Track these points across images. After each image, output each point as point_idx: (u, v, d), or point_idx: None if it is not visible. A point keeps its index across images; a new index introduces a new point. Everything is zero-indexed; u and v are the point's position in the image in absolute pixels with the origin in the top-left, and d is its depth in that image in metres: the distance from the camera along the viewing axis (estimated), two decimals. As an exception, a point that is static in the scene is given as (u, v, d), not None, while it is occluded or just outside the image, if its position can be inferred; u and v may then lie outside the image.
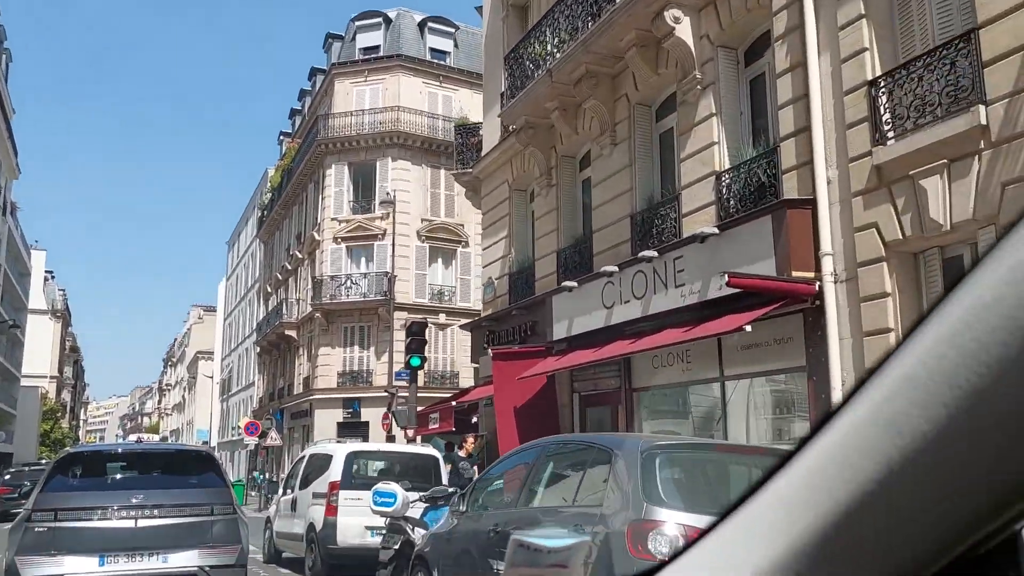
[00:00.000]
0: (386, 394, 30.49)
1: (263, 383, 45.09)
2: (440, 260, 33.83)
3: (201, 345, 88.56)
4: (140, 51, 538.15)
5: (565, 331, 12.89)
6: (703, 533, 0.76)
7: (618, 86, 12.64)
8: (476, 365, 17.48)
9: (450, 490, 10.17)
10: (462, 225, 33.95)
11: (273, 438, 30.36)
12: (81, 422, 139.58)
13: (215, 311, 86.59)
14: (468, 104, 33.14)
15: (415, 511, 9.23)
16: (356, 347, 32.57)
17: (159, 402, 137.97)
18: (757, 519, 0.69)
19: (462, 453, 10.77)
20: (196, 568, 7.49)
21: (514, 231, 16.24)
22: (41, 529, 7.15)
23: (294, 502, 12.23)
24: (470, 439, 10.95)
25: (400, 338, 30.82)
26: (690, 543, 0.78)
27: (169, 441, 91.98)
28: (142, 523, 7.46)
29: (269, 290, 44.68)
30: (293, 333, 37.00)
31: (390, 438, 28.69)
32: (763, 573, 0.66)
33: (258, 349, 46.30)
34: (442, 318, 33.03)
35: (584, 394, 13.34)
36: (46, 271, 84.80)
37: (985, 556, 0.59)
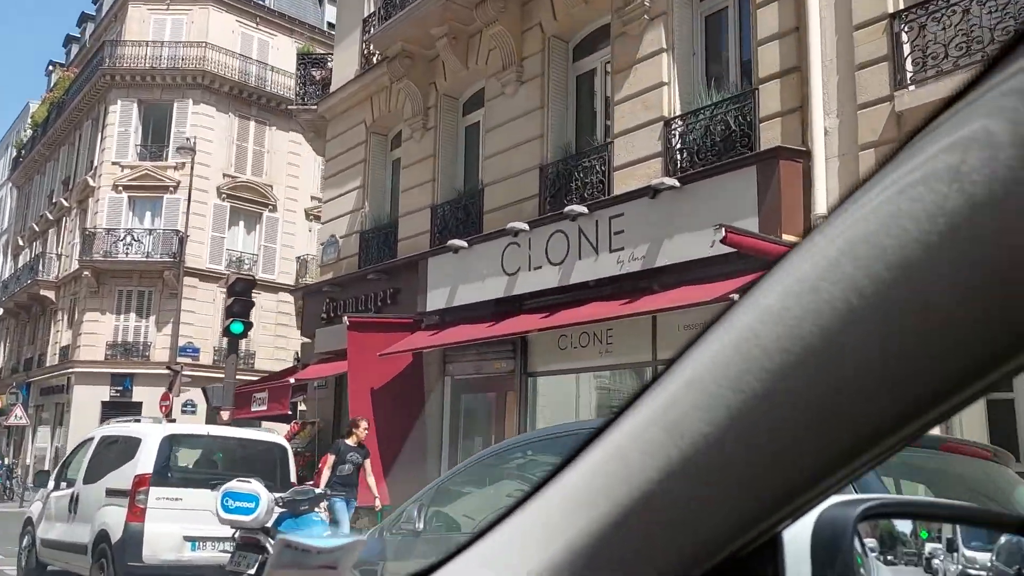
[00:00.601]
0: (167, 371, 26.35)
1: (4, 352, 38.10)
2: (242, 223, 29.98)
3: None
4: None
5: (444, 301, 10.73)
6: (482, 532, 0.74)
7: (530, 13, 10.71)
8: (307, 339, 14.70)
9: (319, 491, 7.72)
10: (271, 186, 30.35)
11: (18, 416, 25.09)
12: None
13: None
14: (287, 54, 29.65)
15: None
16: (132, 315, 27.93)
17: None
18: (536, 519, 0.68)
19: (351, 441, 8.27)
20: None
21: (369, 181, 13.73)
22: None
23: (74, 500, 9.04)
24: (363, 424, 8.49)
25: (188, 308, 26.76)
26: (469, 542, 0.74)
27: None
28: None
29: (21, 243, 37.84)
30: (51, 294, 31.26)
31: (171, 422, 24.69)
32: (538, 574, 0.65)
33: (1, 311, 39.10)
34: (240, 289, 29.25)
35: (460, 378, 11.21)
36: None
37: (747, 556, 0.60)
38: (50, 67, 41.12)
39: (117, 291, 27.89)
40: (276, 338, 29.97)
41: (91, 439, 9.62)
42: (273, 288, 30.09)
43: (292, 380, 12.07)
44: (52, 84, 38.57)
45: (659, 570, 0.60)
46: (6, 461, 25.33)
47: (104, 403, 27.04)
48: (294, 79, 18.15)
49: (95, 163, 29.55)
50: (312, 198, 31.43)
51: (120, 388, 27.02)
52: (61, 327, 30.23)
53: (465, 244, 10.41)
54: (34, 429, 30.19)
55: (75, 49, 38.06)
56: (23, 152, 39.81)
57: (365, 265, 13.08)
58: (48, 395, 29.53)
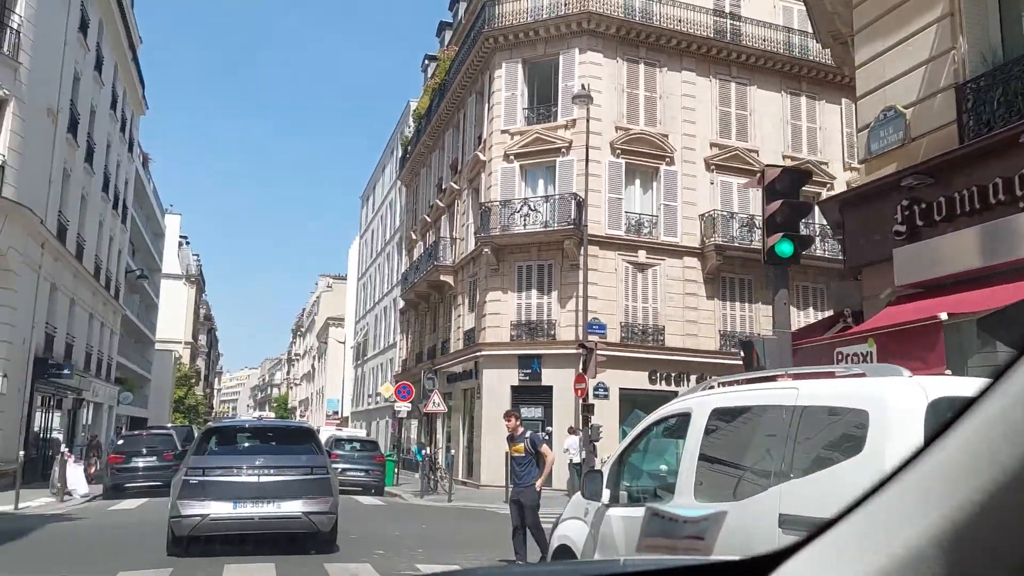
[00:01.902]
0: (578, 351, 23.54)
1: (407, 343, 39.22)
2: (638, 181, 26.46)
3: (331, 312, 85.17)
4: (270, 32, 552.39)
5: None
6: (835, 519, 0.79)
7: None
8: (868, 265, 9.83)
9: None
10: (666, 136, 26.43)
11: (436, 403, 24.00)
12: (215, 391, 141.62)
13: (344, 279, 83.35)
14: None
15: None
16: (534, 291, 25.72)
17: (288, 373, 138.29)
18: (892, 507, 0.71)
19: None
20: (300, 513, 10.28)
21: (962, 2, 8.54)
22: (193, 481, 10.15)
23: (694, 526, 5.18)
24: None
25: (591, 280, 23.82)
26: (822, 528, 0.80)
27: (297, 416, 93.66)
28: (263, 479, 10.32)
29: (414, 237, 38.64)
30: (449, 279, 30.59)
31: (587, 408, 21.76)
32: (897, 557, 0.68)
33: (401, 304, 40.47)
34: (641, 256, 25.73)
35: None
36: (180, 236, 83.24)
37: None
38: (426, 61, 41.87)
39: (516, 267, 25.88)
40: (685, 310, 25.91)
41: (682, 416, 5.41)
42: (677, 252, 26.13)
43: (943, 316, 7.02)
44: (431, 73, 38.89)
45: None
46: (428, 451, 24.20)
47: (513, 387, 25.11)
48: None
49: (483, 136, 28.06)
50: (712, 146, 26.93)
51: (528, 371, 24.86)
52: (463, 311, 29.26)
53: None
54: (446, 418, 29.61)
55: (448, 36, 38.00)
56: (409, 149, 40.88)
57: (974, 134, 7.93)
58: (455, 382, 28.65)
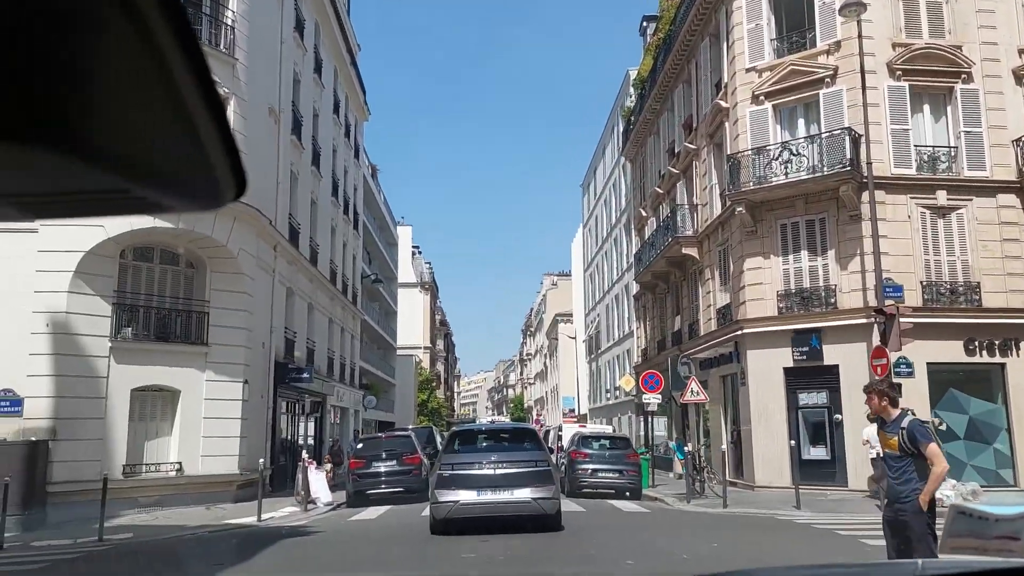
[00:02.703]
0: (867, 320, 19.06)
1: (646, 331, 35.96)
2: (927, 107, 21.32)
3: (558, 308, 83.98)
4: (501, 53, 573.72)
5: None
6: None
7: None
8: None
9: None
10: (959, 47, 21.06)
11: (694, 391, 20.58)
12: (455, 395, 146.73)
13: (569, 276, 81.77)
14: None
15: None
16: (804, 253, 21.45)
17: (521, 373, 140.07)
18: None
19: None
20: (529, 498, 12.58)
21: None
22: (446, 475, 12.72)
23: None
24: None
25: (883, 232, 19.18)
26: None
27: (533, 416, 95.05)
28: (499, 471, 12.66)
29: (644, 214, 35.32)
30: (693, 251, 26.96)
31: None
32: None
33: (635, 289, 37.30)
34: (941, 198, 20.60)
35: None
36: (412, 246, 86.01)
37: None
38: (644, 23, 38.45)
39: (778, 226, 21.75)
40: (1005, 261, 20.43)
41: None
42: (987, 189, 20.72)
43: None
44: (652, 31, 35.42)
45: None
46: (689, 448, 20.78)
47: (787, 369, 21.03)
48: None
49: (723, 81, 24.22)
50: (1021, 53, 21.17)
51: (805, 349, 20.66)
52: (712, 286, 25.51)
53: None
54: (701, 409, 25.99)
55: (667, -12, 34.31)
56: (631, 120, 37.67)
57: None
58: (710, 368, 24.95)
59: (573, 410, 64.49)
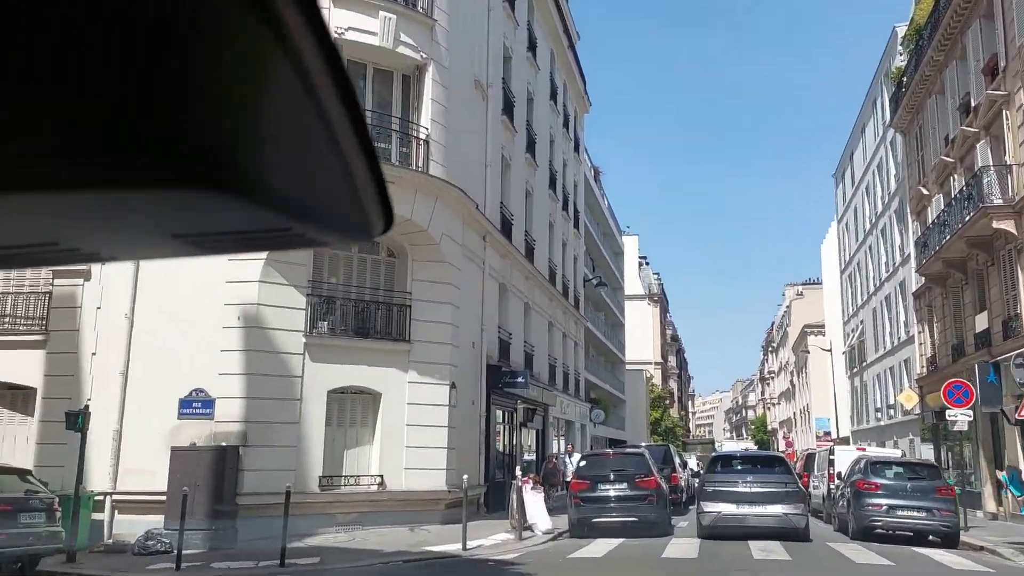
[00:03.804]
0: None
1: (932, 334, 29.31)
2: None
3: (806, 320, 75.73)
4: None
5: None
6: None
7: None
8: None
9: None
10: None
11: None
12: (689, 415, 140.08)
13: (817, 284, 73.68)
14: None
15: None
16: None
17: (762, 393, 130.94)
18: None
19: None
20: (781, 513, 15.10)
21: None
22: (709, 489, 15.85)
23: None
24: None
25: None
26: None
27: (779, 439, 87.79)
28: (753, 489, 15.42)
29: (926, 192, 28.90)
30: (1007, 225, 20.75)
31: None
32: None
33: (916, 285, 30.73)
34: None
35: None
36: (640, 257, 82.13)
37: None
38: (914, -34, 32.03)
39: None
40: None
41: None
42: None
43: None
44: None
45: None
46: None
47: None
48: None
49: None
50: None
51: None
52: (1043, 267, 19.26)
53: None
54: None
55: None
56: (903, 82, 31.34)
57: None
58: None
59: (828, 432, 57.00)
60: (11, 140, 0.49)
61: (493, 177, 21.83)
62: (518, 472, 16.81)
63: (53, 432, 15.13)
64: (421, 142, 17.71)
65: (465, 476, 14.93)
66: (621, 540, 15.24)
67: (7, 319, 16.61)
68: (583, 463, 17.42)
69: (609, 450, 20.32)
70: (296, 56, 0.52)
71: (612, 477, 16.23)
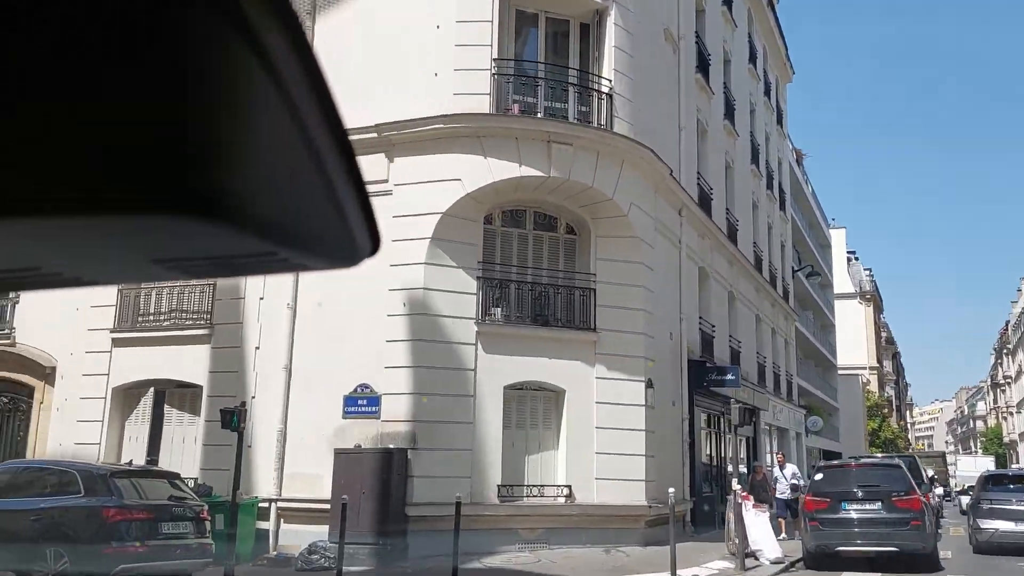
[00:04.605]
0: None
1: None
2: None
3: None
4: None
5: None
6: None
7: None
8: None
9: None
10: None
11: None
12: (908, 425, 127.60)
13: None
14: None
15: None
16: None
17: (995, 401, 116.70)
18: None
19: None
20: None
21: None
22: (985, 507, 16.51)
23: None
24: None
25: None
26: None
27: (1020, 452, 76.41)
28: None
29: None
30: None
31: None
32: None
33: None
34: None
35: None
36: (848, 252, 74.70)
37: None
38: None
39: None
40: None
41: None
42: None
43: None
44: None
45: None
46: None
47: None
48: None
49: None
50: None
51: None
52: None
53: None
54: None
55: None
56: None
57: None
58: None
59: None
60: None
61: (688, 142, 18.88)
62: (735, 486, 13.69)
63: (219, 433, 13.94)
64: (603, 96, 15.17)
65: (671, 489, 12.08)
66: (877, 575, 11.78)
67: (174, 314, 15.85)
68: (820, 476, 13.96)
69: (852, 461, 16.61)
70: (280, 79, 0.52)
71: (860, 495, 12.75)
